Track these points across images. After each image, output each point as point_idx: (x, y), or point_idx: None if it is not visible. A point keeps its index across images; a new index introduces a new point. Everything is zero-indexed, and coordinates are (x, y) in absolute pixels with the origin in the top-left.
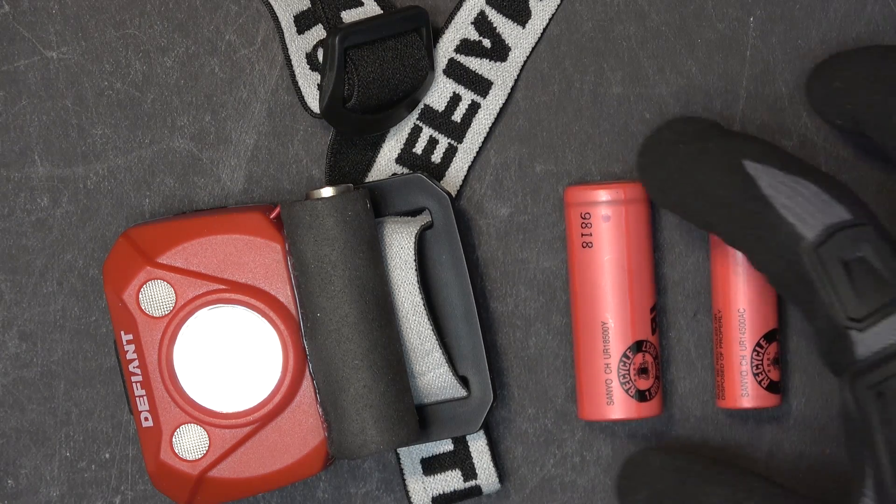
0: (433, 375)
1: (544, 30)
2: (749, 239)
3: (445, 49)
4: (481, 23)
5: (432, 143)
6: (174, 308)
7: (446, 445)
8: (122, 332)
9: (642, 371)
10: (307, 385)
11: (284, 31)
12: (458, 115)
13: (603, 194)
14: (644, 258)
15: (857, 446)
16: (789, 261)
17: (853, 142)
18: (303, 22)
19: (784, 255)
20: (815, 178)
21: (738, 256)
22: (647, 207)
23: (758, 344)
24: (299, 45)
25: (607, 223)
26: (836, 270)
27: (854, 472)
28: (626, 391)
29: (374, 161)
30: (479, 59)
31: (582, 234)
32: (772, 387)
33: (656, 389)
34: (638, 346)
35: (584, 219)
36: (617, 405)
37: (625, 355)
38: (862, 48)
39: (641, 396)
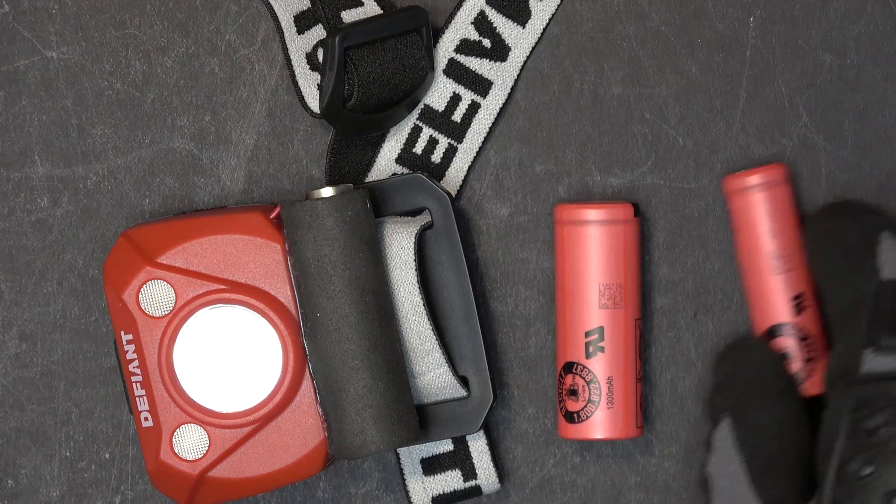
0: (433, 375)
1: (544, 30)
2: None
3: (445, 49)
4: (481, 23)
5: (432, 143)
6: (174, 308)
7: (446, 445)
8: (122, 332)
9: (571, 392)
10: (307, 385)
11: (284, 31)
12: (458, 115)
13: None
14: (583, 282)
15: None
16: (862, 291)
17: (853, 142)
18: (303, 22)
19: (858, 284)
20: None
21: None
22: (596, 230)
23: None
24: (299, 45)
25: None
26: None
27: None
28: (560, 409)
29: (374, 161)
30: (479, 59)
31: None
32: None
33: (587, 414)
34: (568, 368)
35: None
36: (559, 421)
37: (560, 374)
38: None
39: (570, 418)
